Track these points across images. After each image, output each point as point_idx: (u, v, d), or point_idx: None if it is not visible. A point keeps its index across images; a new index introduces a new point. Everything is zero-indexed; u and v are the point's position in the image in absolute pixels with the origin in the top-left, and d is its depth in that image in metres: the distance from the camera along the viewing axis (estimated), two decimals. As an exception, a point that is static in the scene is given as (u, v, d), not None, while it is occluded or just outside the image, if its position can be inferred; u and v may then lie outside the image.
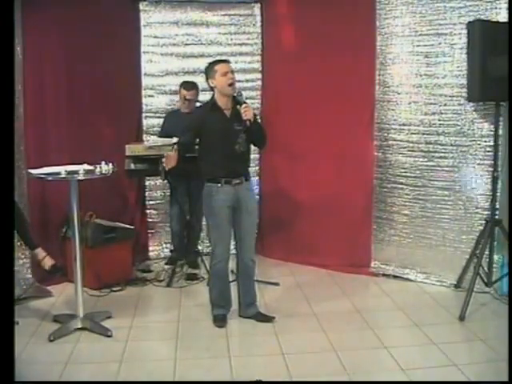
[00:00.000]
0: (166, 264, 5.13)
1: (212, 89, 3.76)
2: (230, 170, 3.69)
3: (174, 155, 3.85)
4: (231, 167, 3.69)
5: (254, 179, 5.46)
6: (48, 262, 3.73)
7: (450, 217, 4.48)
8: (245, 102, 3.68)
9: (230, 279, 3.98)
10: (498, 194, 4.15)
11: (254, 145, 3.90)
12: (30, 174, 3.77)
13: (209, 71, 3.73)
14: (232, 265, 3.99)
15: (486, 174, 4.27)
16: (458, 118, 4.36)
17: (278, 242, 5.37)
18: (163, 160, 3.96)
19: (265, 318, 3.86)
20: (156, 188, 5.42)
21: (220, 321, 3.83)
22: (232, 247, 3.94)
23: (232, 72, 3.70)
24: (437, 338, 3.54)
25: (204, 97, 5.13)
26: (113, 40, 4.99)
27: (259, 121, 3.90)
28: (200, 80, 5.26)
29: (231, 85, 3.67)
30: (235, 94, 3.71)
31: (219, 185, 3.69)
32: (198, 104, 4.95)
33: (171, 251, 5.29)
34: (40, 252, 3.74)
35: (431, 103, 4.48)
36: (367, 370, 3.20)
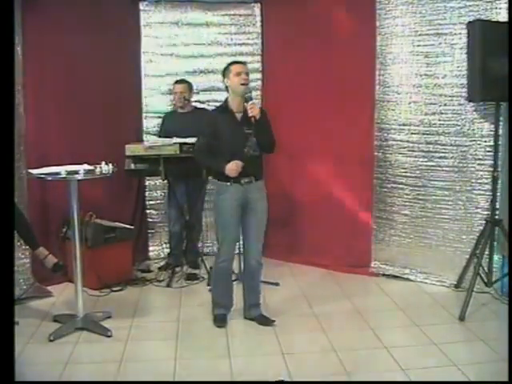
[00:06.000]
0: (160, 269, 5.05)
1: (227, 88, 3.77)
2: (239, 172, 3.62)
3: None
4: (241, 170, 3.62)
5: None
6: (51, 261, 3.73)
7: (450, 217, 4.48)
8: (251, 99, 3.66)
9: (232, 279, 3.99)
10: (498, 194, 4.15)
11: (262, 149, 3.72)
12: (30, 174, 3.77)
13: (225, 70, 3.76)
14: (235, 265, 3.99)
15: (485, 174, 4.27)
16: (458, 117, 4.36)
17: (279, 242, 5.36)
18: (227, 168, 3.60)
19: (265, 322, 3.84)
20: (156, 188, 5.41)
21: (220, 321, 3.83)
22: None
23: (247, 73, 3.71)
24: (437, 338, 3.54)
25: (204, 97, 5.17)
26: (113, 40, 4.99)
27: (269, 124, 3.76)
28: (200, 80, 5.32)
29: (243, 85, 3.67)
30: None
31: (228, 183, 3.66)
32: (194, 104, 4.98)
33: (168, 255, 5.25)
34: (42, 251, 3.74)
35: (431, 103, 4.47)
36: (367, 370, 3.20)
